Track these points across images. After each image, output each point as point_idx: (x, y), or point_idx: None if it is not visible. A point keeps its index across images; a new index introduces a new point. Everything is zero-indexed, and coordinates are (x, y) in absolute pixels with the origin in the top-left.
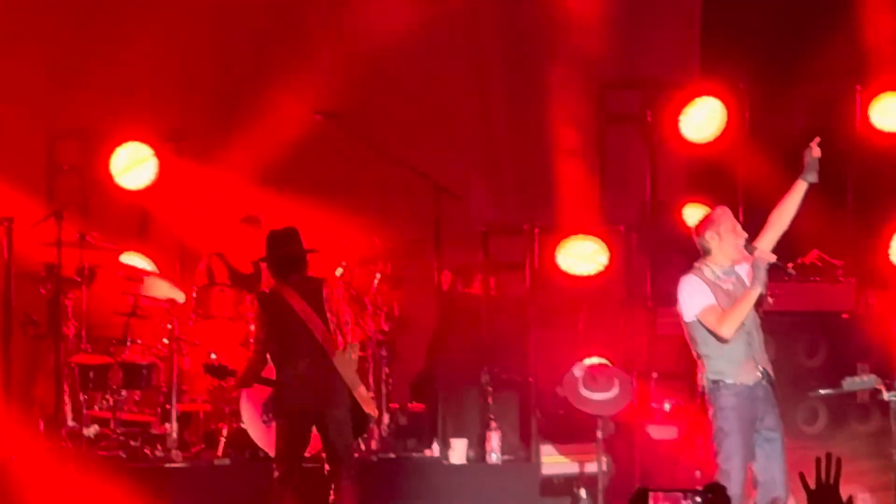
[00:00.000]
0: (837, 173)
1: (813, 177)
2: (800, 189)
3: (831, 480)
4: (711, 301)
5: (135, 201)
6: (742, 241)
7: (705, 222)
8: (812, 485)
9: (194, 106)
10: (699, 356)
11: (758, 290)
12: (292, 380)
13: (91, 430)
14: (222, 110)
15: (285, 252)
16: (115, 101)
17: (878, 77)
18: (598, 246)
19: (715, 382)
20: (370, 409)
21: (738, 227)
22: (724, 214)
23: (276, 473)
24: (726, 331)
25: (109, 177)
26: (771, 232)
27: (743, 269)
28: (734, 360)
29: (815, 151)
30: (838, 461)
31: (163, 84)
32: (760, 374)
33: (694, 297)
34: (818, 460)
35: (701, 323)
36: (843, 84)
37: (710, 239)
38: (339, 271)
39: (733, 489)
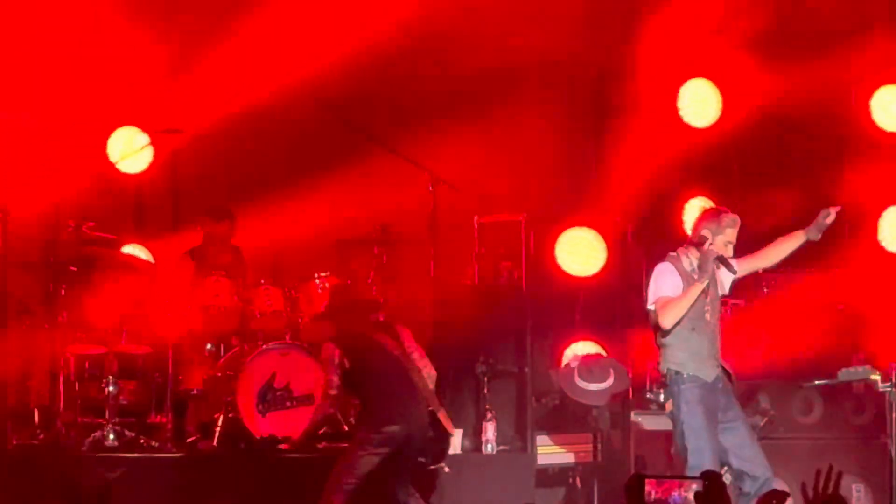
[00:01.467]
0: (833, 160)
1: (816, 236)
2: (798, 241)
3: (829, 491)
4: (669, 293)
5: (132, 190)
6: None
7: (711, 216)
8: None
9: (191, 95)
10: (660, 345)
11: (703, 284)
12: (391, 417)
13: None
14: (219, 99)
15: (353, 300)
16: (112, 90)
17: (878, 70)
18: (596, 242)
19: (677, 373)
20: (450, 428)
21: (732, 245)
22: (732, 224)
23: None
24: (667, 320)
25: (106, 166)
26: (753, 262)
27: (716, 272)
28: (696, 354)
29: (830, 218)
30: (839, 474)
31: (160, 73)
32: (720, 370)
33: (659, 285)
34: (818, 473)
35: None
36: (840, 74)
37: (706, 233)
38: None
39: None
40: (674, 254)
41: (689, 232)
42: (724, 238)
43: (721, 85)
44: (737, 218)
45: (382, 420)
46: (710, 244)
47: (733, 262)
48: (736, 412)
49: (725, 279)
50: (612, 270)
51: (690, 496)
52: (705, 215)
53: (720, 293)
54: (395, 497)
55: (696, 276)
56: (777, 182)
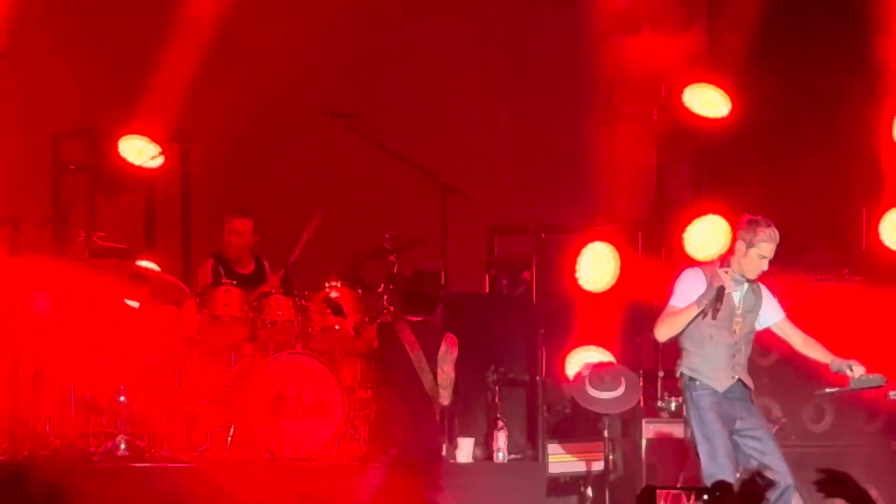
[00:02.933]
0: (844, 171)
1: (834, 369)
2: (825, 360)
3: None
4: (683, 303)
5: (141, 201)
6: (759, 270)
7: (748, 226)
8: None
9: (200, 105)
10: (681, 347)
11: (699, 308)
12: (393, 424)
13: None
14: (228, 109)
15: (421, 290)
16: (121, 99)
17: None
18: (612, 256)
19: (691, 379)
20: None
21: (767, 259)
22: (767, 238)
23: None
24: (660, 334)
25: (115, 176)
26: (791, 333)
27: (766, 295)
28: (711, 362)
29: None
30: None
31: (169, 82)
32: (733, 381)
33: (679, 288)
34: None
35: None
36: (850, 81)
37: (740, 244)
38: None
39: None
40: (717, 259)
41: (687, 247)
42: (757, 251)
43: (725, 87)
44: (774, 232)
45: (389, 438)
46: (733, 266)
47: (772, 307)
48: (757, 420)
49: (772, 311)
50: (624, 279)
51: None
52: (742, 223)
53: (764, 322)
54: None
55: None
56: (783, 184)
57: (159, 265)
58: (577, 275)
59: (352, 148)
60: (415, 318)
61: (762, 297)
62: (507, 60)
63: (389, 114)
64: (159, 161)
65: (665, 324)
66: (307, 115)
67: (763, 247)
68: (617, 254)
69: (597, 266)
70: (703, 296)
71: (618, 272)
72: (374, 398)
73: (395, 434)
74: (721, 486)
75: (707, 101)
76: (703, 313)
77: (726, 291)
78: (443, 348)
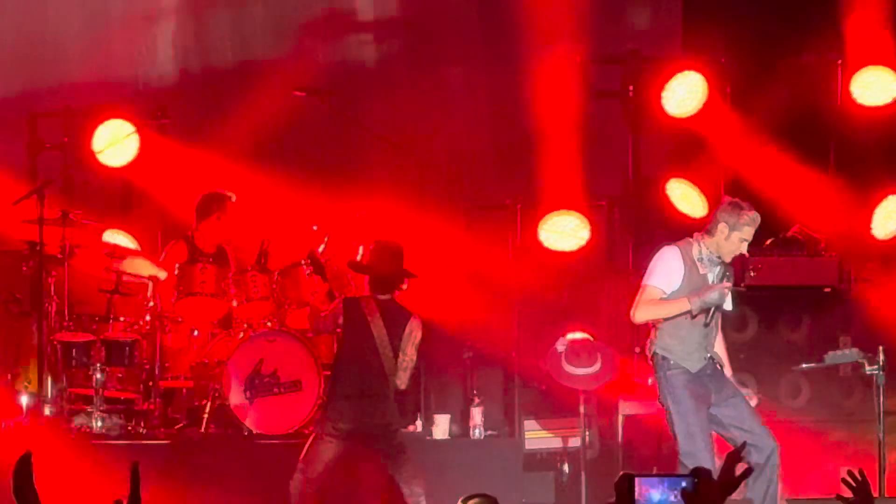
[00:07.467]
0: (820, 148)
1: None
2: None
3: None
4: (665, 286)
5: (117, 178)
6: (738, 253)
7: (732, 209)
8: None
9: (177, 83)
10: (653, 325)
11: (690, 308)
12: (343, 400)
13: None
14: (205, 88)
15: (386, 269)
16: (98, 78)
17: (859, 51)
18: (579, 221)
19: (664, 359)
20: None
21: (747, 243)
22: (750, 222)
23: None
24: (637, 316)
25: (92, 154)
26: None
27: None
28: (685, 342)
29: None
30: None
31: (145, 61)
32: (705, 362)
33: (657, 269)
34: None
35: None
36: (825, 58)
37: (722, 227)
38: (321, 247)
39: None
40: (691, 238)
41: (678, 209)
42: (739, 235)
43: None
44: (757, 216)
45: (336, 413)
46: (711, 246)
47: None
48: (731, 389)
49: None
50: (599, 254)
51: (677, 493)
52: (726, 206)
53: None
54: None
55: (701, 268)
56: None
57: (135, 242)
58: (542, 240)
59: (327, 126)
60: (382, 296)
61: (733, 278)
62: (483, 33)
63: (364, 90)
64: (131, 148)
65: (647, 310)
66: (283, 94)
67: (746, 231)
68: (585, 219)
69: (561, 231)
70: (700, 298)
71: (587, 235)
72: (331, 372)
73: (346, 409)
74: (699, 472)
75: (684, 91)
76: (692, 314)
77: (719, 301)
78: (407, 330)
